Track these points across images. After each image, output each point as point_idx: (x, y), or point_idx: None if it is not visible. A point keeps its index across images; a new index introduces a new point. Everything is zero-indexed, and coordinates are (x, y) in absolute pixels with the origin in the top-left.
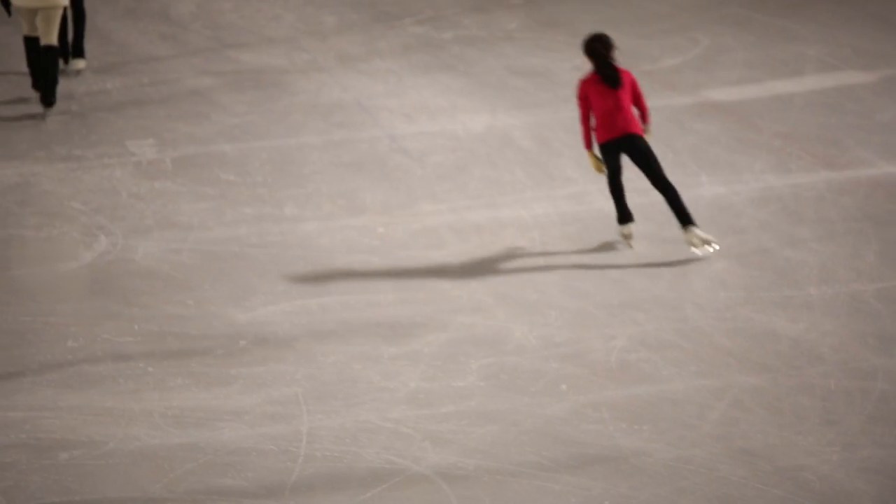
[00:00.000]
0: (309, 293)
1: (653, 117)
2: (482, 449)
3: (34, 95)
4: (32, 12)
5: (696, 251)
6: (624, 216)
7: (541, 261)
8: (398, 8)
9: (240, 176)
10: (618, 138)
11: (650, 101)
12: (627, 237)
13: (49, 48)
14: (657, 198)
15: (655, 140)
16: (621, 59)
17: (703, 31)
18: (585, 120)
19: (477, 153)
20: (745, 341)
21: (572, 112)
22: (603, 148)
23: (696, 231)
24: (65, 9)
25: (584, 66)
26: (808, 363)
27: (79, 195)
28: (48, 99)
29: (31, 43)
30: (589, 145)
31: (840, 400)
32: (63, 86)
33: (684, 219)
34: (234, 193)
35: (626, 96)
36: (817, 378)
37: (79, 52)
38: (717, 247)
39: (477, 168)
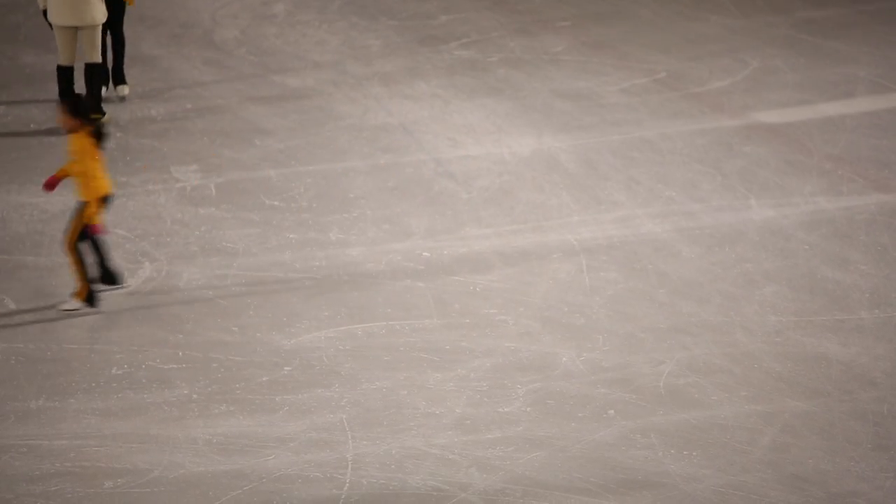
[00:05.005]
0: (354, 318)
1: (702, 140)
2: (529, 475)
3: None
4: (71, 32)
5: None
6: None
7: (587, 285)
8: (443, 31)
9: (284, 201)
10: None
11: (700, 124)
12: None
13: (93, 65)
14: (706, 222)
15: (704, 162)
16: (670, 80)
17: (753, 53)
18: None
19: (523, 177)
20: (796, 366)
21: (619, 135)
22: None
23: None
24: (105, 32)
25: (633, 89)
26: (860, 388)
27: (123, 222)
28: (96, 110)
29: (63, 73)
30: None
31: (893, 425)
32: (107, 112)
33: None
34: (278, 219)
35: None
36: (870, 403)
37: (120, 79)
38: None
39: (523, 192)
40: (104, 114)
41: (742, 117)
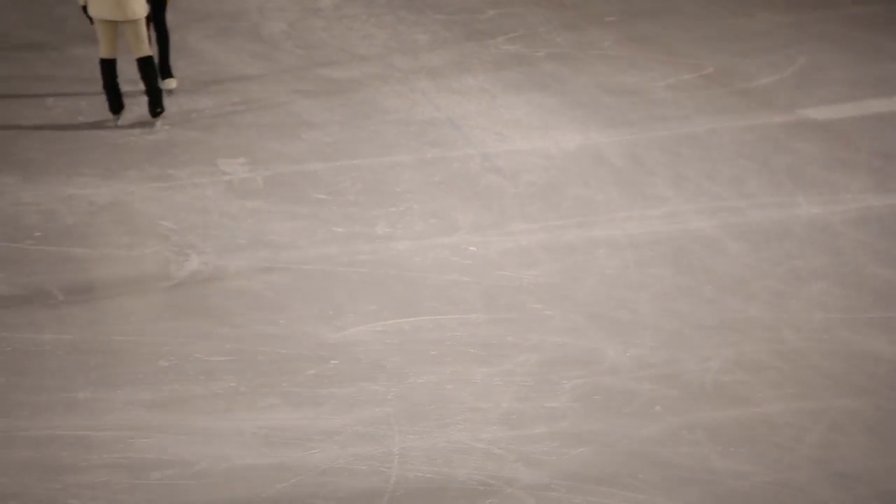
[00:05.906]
0: (400, 313)
1: (749, 136)
2: (575, 470)
3: (112, 118)
4: (112, 26)
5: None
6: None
7: (634, 281)
8: (490, 26)
9: (331, 195)
10: None
11: (748, 120)
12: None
13: (143, 59)
14: (754, 218)
15: (752, 160)
16: (717, 76)
17: (800, 48)
18: None
19: (570, 172)
20: (844, 363)
21: (666, 130)
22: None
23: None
24: (147, 26)
25: (680, 85)
26: None
27: (171, 214)
28: (156, 109)
29: (106, 65)
30: None
31: None
32: (165, 109)
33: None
34: (325, 212)
35: None
36: None
37: (167, 73)
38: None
39: (570, 187)
40: (164, 109)
41: (790, 113)
